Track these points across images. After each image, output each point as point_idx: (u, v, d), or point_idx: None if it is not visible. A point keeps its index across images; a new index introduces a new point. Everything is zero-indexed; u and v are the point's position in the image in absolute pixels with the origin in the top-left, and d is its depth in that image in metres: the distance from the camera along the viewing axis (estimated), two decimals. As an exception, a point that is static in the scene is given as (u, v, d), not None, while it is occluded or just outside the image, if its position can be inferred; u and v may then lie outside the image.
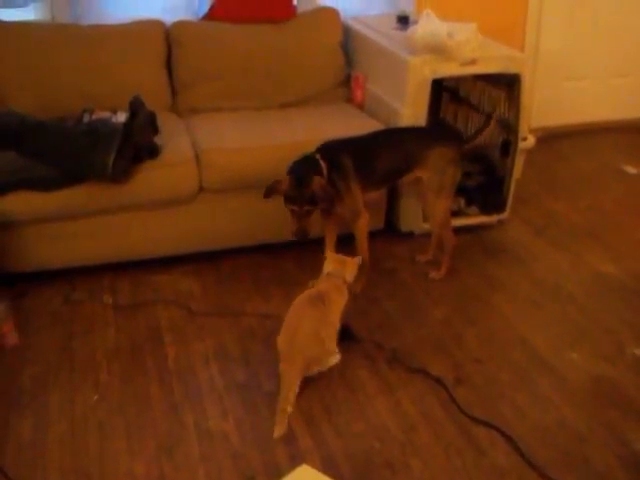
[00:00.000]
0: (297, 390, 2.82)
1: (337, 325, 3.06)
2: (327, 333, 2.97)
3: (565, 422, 2.81)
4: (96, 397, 2.93)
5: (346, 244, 3.57)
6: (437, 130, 3.78)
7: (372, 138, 3.63)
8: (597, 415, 2.85)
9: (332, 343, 3.00)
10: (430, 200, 3.64)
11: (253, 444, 2.70)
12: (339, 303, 3.09)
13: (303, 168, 3.32)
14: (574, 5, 5.33)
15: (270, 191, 3.29)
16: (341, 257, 3.22)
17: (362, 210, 3.51)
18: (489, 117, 3.82)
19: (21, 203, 3.43)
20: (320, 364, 2.98)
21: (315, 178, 3.25)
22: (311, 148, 3.44)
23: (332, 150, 3.43)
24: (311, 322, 2.94)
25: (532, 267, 3.90)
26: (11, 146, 3.46)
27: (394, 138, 3.66)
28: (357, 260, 3.22)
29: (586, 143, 5.56)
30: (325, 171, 3.34)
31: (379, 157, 3.53)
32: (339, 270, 3.16)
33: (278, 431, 2.72)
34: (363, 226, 3.54)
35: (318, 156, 3.37)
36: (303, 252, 3.91)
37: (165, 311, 3.49)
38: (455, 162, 3.58)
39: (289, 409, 2.76)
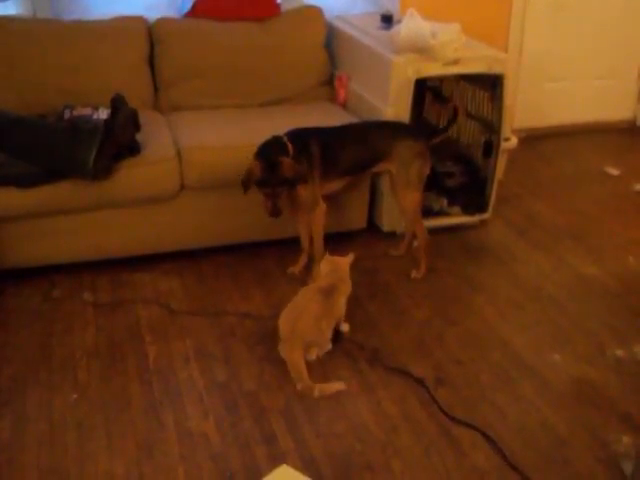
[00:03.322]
0: (305, 367, 2.98)
1: (338, 318, 3.23)
2: (328, 324, 3.13)
3: (546, 423, 2.82)
4: (75, 396, 2.90)
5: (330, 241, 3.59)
6: (404, 124, 3.79)
7: (340, 129, 3.70)
8: (578, 416, 2.86)
9: (329, 334, 3.16)
10: (399, 194, 3.66)
11: (233, 444, 2.68)
12: (344, 297, 3.23)
13: (271, 151, 3.38)
14: (558, 6, 5.34)
15: (247, 183, 3.37)
16: (333, 258, 3.29)
17: (319, 201, 3.56)
18: (455, 110, 3.88)
19: (0, 200, 3.40)
20: (317, 349, 3.12)
21: (284, 160, 3.31)
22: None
23: (300, 135, 3.49)
24: (316, 311, 3.08)
25: (514, 268, 3.90)
26: (-10, 142, 3.43)
27: (362, 130, 3.71)
28: (349, 258, 3.27)
29: (568, 144, 5.58)
30: (291, 154, 3.39)
31: (345, 147, 3.58)
32: (333, 272, 3.23)
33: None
34: (319, 216, 3.60)
35: (286, 139, 3.43)
36: (284, 251, 3.90)
37: (145, 310, 3.47)
38: (422, 155, 3.59)
39: (310, 385, 2.93)
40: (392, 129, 3.68)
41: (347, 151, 3.58)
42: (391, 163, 3.60)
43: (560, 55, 5.52)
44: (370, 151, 3.61)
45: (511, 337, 3.33)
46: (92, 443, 2.68)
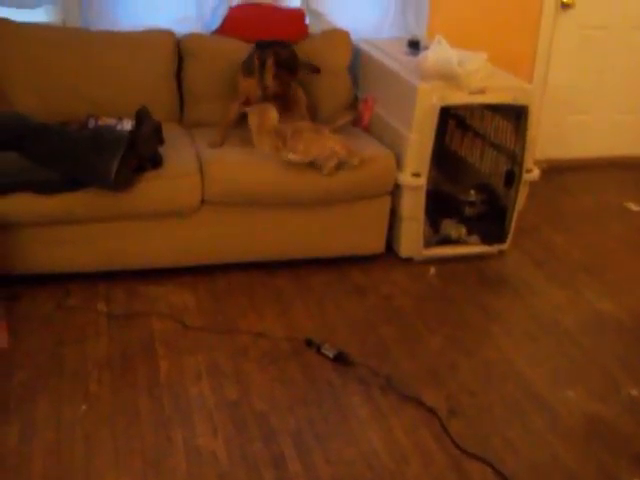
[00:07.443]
0: None
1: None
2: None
3: (557, 460, 2.78)
4: (84, 407, 2.89)
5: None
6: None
7: None
8: (590, 454, 2.82)
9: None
10: None
11: (241, 465, 2.65)
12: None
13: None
14: (584, 40, 5.34)
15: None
16: (258, 107, 3.95)
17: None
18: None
19: (21, 205, 3.41)
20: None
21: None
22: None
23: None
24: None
25: (530, 300, 3.88)
26: (14, 148, 3.43)
27: None
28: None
29: (590, 178, 5.56)
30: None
31: None
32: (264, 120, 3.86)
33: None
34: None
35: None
36: (299, 271, 3.89)
37: (159, 323, 3.46)
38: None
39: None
40: None
41: None
42: None
43: (584, 88, 5.51)
44: None
45: (525, 370, 3.30)
46: (99, 456, 2.66)
